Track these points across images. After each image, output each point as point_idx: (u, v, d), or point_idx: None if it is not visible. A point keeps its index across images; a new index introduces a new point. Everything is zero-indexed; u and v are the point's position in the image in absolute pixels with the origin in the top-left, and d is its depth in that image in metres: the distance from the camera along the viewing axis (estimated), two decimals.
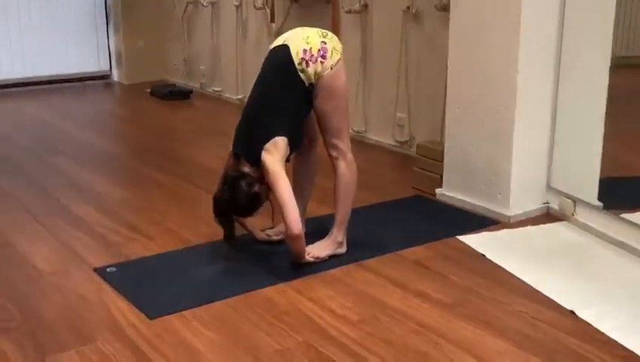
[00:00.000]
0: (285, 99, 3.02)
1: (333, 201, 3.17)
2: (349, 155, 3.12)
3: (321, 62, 2.96)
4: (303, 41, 2.99)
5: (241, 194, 2.99)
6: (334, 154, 3.09)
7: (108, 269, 3.11)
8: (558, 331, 2.56)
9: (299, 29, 3.12)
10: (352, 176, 3.13)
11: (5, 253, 3.32)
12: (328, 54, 2.98)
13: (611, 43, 3.51)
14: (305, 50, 2.96)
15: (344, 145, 3.10)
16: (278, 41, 3.11)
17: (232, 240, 3.29)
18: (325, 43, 2.99)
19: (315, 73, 2.97)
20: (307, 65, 2.95)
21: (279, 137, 2.96)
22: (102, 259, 3.21)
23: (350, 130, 5.11)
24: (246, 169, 3.01)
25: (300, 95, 3.01)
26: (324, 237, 3.20)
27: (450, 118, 3.83)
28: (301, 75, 2.97)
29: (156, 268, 3.16)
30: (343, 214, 3.17)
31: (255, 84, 3.14)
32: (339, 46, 3.06)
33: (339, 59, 3.02)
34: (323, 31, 3.08)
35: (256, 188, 2.99)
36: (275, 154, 2.95)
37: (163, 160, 4.80)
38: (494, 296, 2.83)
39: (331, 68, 2.98)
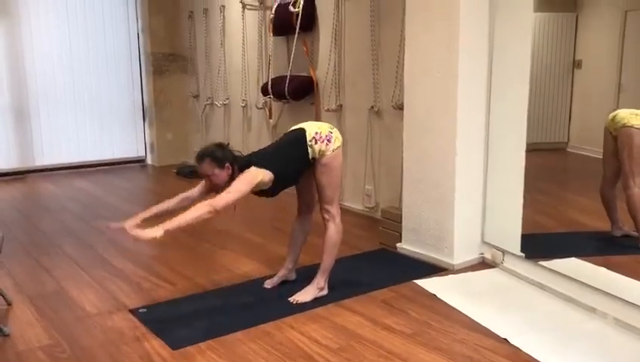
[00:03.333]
0: (290, 154, 2.97)
1: (321, 254, 3.13)
2: (338, 219, 3.09)
3: (327, 144, 2.97)
4: (316, 127, 3.02)
5: (216, 147, 2.88)
6: (327, 217, 3.08)
7: (140, 310, 3.03)
8: (496, 355, 2.51)
9: (313, 122, 3.15)
10: (338, 236, 3.11)
11: (60, 298, 3.23)
12: (333, 140, 3.00)
13: (525, 131, 3.56)
14: (316, 133, 2.97)
15: (335, 211, 3.08)
16: (296, 126, 3.10)
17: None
18: (331, 133, 3.02)
19: (320, 151, 2.96)
20: (315, 142, 2.95)
21: (269, 171, 2.83)
22: (135, 302, 3.13)
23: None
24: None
25: (301, 157, 2.96)
26: (309, 283, 3.15)
27: (405, 189, 3.83)
28: (309, 148, 2.96)
29: (178, 308, 3.08)
30: (326, 265, 3.13)
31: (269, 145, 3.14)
32: (340, 138, 3.07)
33: (339, 146, 3.03)
34: (331, 125, 3.10)
35: (227, 162, 2.81)
36: (253, 177, 2.78)
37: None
38: (444, 328, 2.78)
39: (332, 151, 2.99)
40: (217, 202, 2.69)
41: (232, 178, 2.84)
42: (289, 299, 3.08)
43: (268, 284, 3.29)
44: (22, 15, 6.71)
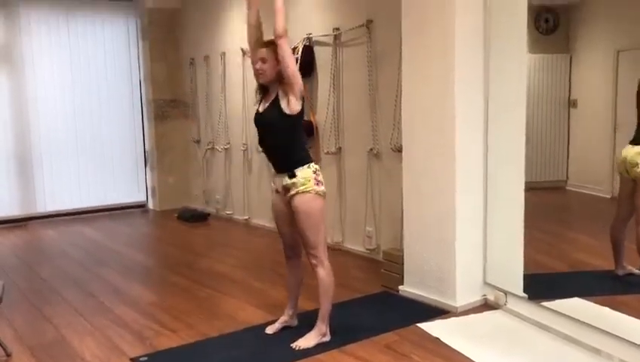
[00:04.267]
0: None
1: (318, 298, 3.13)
2: (326, 263, 3.06)
3: (316, 182, 2.97)
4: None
5: None
6: (314, 262, 3.04)
7: (141, 359, 3.01)
8: None
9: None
10: (329, 280, 3.07)
11: (60, 347, 3.21)
12: (322, 185, 3.00)
13: (524, 170, 3.59)
14: (318, 170, 3.01)
15: (322, 254, 3.03)
16: None
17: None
18: (322, 182, 3.03)
19: (306, 179, 2.94)
20: (315, 173, 2.99)
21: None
22: (137, 351, 3.12)
23: (330, 241, 5.14)
24: None
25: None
26: (311, 329, 3.13)
27: (406, 231, 3.85)
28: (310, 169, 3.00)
29: (180, 357, 3.06)
30: (324, 310, 3.11)
31: None
32: (324, 190, 3.05)
33: (324, 193, 3.02)
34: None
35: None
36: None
37: (185, 269, 4.75)
38: None
39: (316, 192, 2.97)
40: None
41: (278, 79, 2.90)
42: (291, 344, 3.06)
43: (269, 330, 3.28)
44: (26, 63, 6.87)
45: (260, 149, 3.31)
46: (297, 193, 2.95)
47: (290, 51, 2.91)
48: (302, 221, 2.97)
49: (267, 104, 2.99)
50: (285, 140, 2.98)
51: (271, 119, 2.96)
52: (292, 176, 2.95)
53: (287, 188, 2.98)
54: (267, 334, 3.26)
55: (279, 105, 2.93)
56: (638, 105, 3.72)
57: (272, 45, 2.92)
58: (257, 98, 3.09)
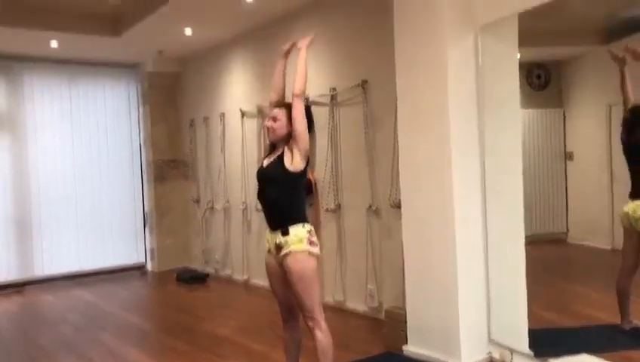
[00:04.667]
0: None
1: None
2: (323, 324, 2.98)
3: (310, 243, 2.94)
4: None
5: None
6: (311, 324, 2.98)
7: None
8: None
9: None
10: (328, 341, 2.98)
11: None
12: (316, 247, 2.98)
13: (523, 224, 3.59)
14: (312, 231, 3.00)
15: (318, 316, 2.96)
16: None
17: None
18: (314, 239, 3.01)
19: (299, 238, 2.92)
20: (310, 234, 2.97)
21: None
22: None
23: (331, 300, 5.08)
24: None
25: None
26: None
27: (408, 289, 3.82)
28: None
29: None
30: None
31: None
32: (318, 252, 3.02)
33: (317, 255, 2.99)
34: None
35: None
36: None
37: (184, 333, 4.67)
38: None
39: (309, 253, 2.93)
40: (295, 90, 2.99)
41: (288, 138, 2.98)
42: None
43: None
44: (28, 129, 6.99)
45: (259, 206, 3.32)
46: (290, 252, 2.92)
47: (303, 110, 2.99)
48: (295, 282, 2.93)
49: (272, 159, 3.05)
50: (284, 197, 2.99)
51: (273, 174, 3.00)
52: (285, 233, 2.93)
53: (279, 247, 2.96)
54: None
55: (283, 162, 2.97)
56: (627, 160, 3.77)
57: (286, 106, 3.04)
58: (264, 155, 3.15)
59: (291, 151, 2.96)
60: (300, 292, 2.93)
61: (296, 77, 2.99)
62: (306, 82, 3.01)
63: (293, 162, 2.95)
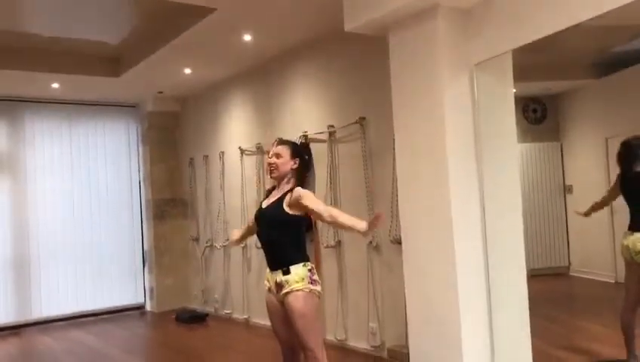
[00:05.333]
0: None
1: None
2: None
3: (311, 281, 2.95)
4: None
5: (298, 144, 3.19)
6: None
7: None
8: None
9: None
10: None
11: None
12: (317, 285, 2.99)
13: (524, 259, 3.59)
14: (313, 268, 3.01)
15: (320, 356, 2.93)
16: None
17: None
18: (315, 278, 3.01)
19: (302, 274, 2.93)
20: (310, 272, 2.98)
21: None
22: None
23: (333, 338, 5.03)
24: None
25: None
26: None
27: (411, 328, 3.77)
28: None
29: None
30: None
31: None
32: (319, 290, 3.03)
33: (319, 293, 2.99)
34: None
35: (299, 158, 3.06)
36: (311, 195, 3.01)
37: None
38: None
39: (310, 290, 2.93)
40: (331, 211, 2.93)
41: (293, 174, 3.03)
42: None
43: None
44: (28, 171, 7.03)
45: (259, 244, 3.33)
46: (291, 291, 2.92)
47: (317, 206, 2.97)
48: (296, 321, 2.91)
49: (271, 201, 3.06)
50: (284, 237, 3.00)
51: (272, 216, 3.01)
52: (286, 272, 2.93)
53: (280, 286, 2.95)
54: None
55: (282, 205, 2.98)
56: (623, 193, 3.80)
57: (288, 143, 3.11)
58: (264, 195, 3.18)
59: (296, 205, 2.96)
60: (301, 331, 2.91)
61: (342, 218, 2.88)
62: (337, 225, 3.00)
63: (291, 211, 2.98)
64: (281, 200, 3.00)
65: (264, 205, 3.10)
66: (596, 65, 4.64)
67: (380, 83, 4.34)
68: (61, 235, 7.17)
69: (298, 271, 2.94)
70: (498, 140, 3.64)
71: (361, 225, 2.78)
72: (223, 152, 6.78)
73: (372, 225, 2.76)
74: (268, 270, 3.08)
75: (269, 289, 3.04)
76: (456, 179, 3.53)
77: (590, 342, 4.20)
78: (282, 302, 2.97)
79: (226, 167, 6.75)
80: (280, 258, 2.99)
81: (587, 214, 4.10)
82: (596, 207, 4.07)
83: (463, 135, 3.59)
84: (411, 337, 3.76)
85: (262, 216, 3.08)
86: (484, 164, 3.64)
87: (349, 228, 2.85)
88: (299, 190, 2.97)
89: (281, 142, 3.13)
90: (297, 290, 2.91)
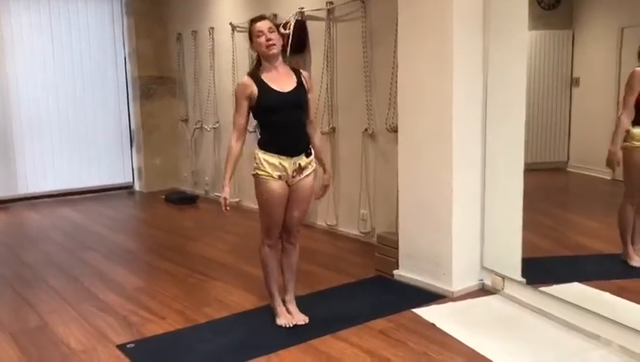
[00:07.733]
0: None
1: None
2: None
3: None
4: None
5: None
6: (294, 241, 3.25)
7: (128, 346, 3.02)
8: None
9: None
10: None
11: (43, 334, 3.21)
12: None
13: (523, 152, 3.59)
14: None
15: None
16: None
17: None
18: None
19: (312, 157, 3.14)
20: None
21: None
22: (123, 337, 3.12)
23: (323, 223, 5.14)
24: None
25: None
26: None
27: (401, 215, 3.86)
28: None
29: (168, 343, 3.07)
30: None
31: None
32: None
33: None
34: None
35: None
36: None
37: (173, 254, 4.75)
38: (444, 359, 2.78)
39: (314, 170, 3.14)
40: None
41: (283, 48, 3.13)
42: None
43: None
44: (6, 41, 6.77)
45: (251, 128, 3.31)
46: (310, 173, 3.11)
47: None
48: (306, 199, 3.14)
49: (292, 85, 3.03)
50: (302, 121, 3.12)
51: (299, 100, 3.05)
52: (309, 154, 3.10)
53: (301, 169, 3.07)
54: (257, 320, 3.27)
55: (305, 87, 3.09)
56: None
57: (269, 19, 3.10)
58: (256, 79, 3.01)
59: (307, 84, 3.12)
60: (305, 209, 3.18)
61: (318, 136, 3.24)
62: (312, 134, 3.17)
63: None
64: (299, 82, 3.06)
65: (279, 89, 3.00)
66: None
67: None
68: (45, 111, 7.05)
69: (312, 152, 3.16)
70: (508, 23, 3.49)
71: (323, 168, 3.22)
72: (212, 28, 6.52)
73: (323, 187, 3.25)
74: (279, 157, 3.02)
75: (280, 177, 3.04)
76: (460, 62, 3.44)
77: (581, 236, 4.32)
78: (288, 187, 3.08)
79: (217, 44, 6.52)
80: (304, 142, 3.10)
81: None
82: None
83: (470, 14, 3.46)
84: (401, 223, 3.85)
85: (287, 99, 3.01)
86: (491, 49, 3.53)
87: (318, 150, 3.16)
88: (307, 75, 3.14)
89: (264, 17, 3.10)
90: (312, 171, 3.13)
